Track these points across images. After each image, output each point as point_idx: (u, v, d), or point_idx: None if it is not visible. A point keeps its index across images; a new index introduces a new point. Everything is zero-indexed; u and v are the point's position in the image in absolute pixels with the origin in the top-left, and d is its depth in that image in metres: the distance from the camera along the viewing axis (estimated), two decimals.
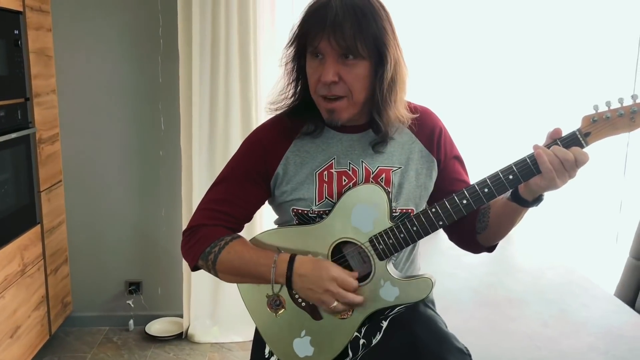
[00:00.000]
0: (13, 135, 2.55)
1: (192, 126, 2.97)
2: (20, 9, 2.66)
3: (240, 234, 1.43)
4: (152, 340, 3.15)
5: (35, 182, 2.83)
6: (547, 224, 3.20)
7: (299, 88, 1.40)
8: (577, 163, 1.19)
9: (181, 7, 2.89)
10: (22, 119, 2.69)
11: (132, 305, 3.27)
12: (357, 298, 1.29)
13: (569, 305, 1.88)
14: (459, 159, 1.47)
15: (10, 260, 2.56)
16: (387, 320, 1.31)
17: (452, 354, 1.21)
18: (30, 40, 2.75)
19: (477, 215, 1.41)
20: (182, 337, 3.17)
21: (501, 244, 1.46)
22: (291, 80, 1.40)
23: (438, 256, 2.30)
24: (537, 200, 1.29)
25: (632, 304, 2.51)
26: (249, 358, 1.53)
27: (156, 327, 3.22)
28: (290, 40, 1.35)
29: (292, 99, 1.41)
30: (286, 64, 1.38)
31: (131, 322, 3.26)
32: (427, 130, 1.43)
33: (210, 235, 1.37)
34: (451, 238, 1.50)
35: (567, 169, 1.19)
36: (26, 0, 2.71)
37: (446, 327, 1.34)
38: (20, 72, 2.66)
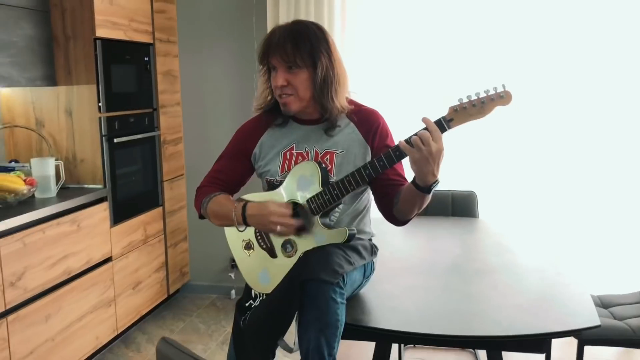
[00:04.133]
0: (139, 136, 3.39)
1: None
2: (151, 41, 3.52)
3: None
4: None
5: (159, 173, 3.66)
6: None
7: (272, 93, 1.93)
8: (433, 138, 1.59)
9: None
10: (149, 124, 3.54)
11: (233, 278, 3.98)
12: (291, 220, 1.74)
13: (522, 275, 2.14)
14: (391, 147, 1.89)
15: (134, 230, 3.39)
16: (303, 254, 1.78)
17: (326, 272, 1.62)
18: (159, 65, 3.60)
19: (397, 192, 1.82)
20: None
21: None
22: (265, 87, 1.94)
23: (448, 238, 2.67)
24: (428, 189, 1.67)
25: None
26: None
27: None
28: (258, 60, 1.89)
29: (268, 100, 1.95)
30: (261, 76, 1.93)
31: (232, 291, 3.98)
32: (368, 125, 1.89)
33: (207, 192, 1.97)
34: (379, 210, 1.92)
35: (425, 144, 1.58)
36: (156, 34, 3.57)
37: (351, 263, 1.75)
38: (148, 89, 3.51)
